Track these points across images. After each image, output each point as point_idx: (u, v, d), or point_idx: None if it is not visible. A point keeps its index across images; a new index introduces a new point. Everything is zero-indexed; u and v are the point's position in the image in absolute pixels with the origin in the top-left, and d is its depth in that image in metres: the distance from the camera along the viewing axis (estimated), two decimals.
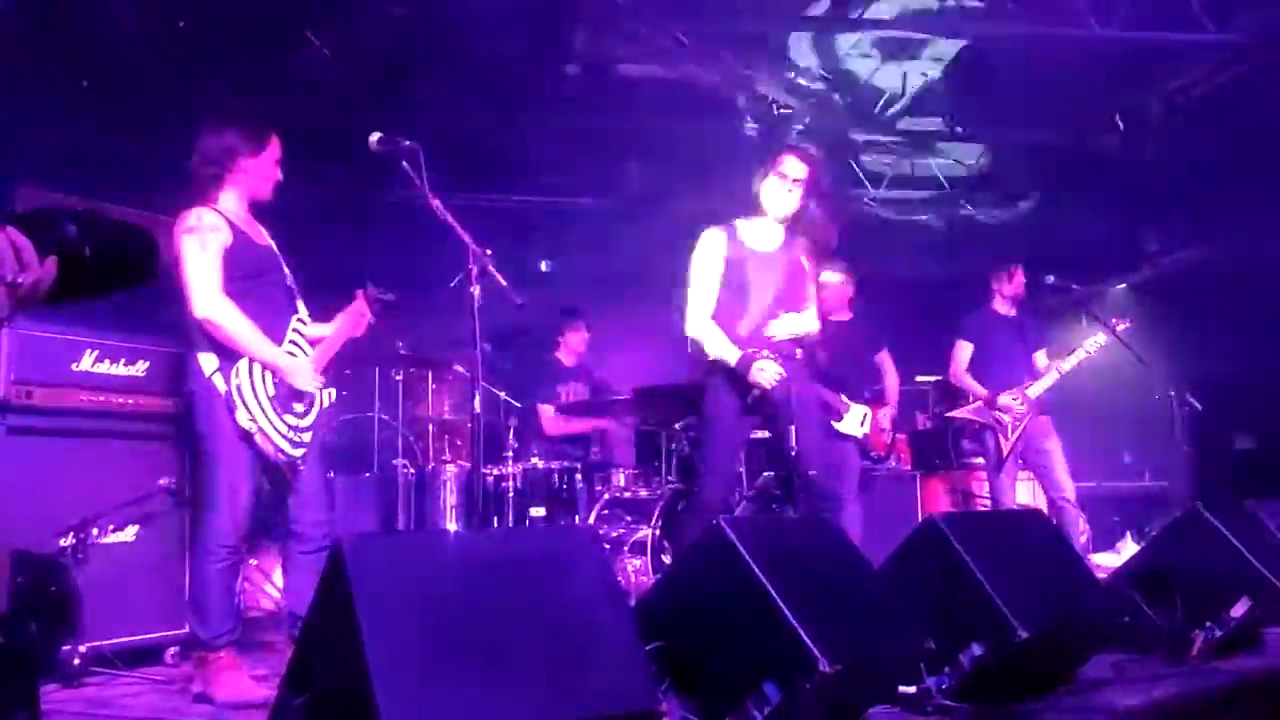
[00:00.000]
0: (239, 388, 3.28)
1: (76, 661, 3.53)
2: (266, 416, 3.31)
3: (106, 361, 3.86)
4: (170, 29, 5.74)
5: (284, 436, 3.36)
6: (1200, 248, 8.27)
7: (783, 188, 4.05)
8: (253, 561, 5.03)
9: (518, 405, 5.92)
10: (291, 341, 3.49)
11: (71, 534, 3.62)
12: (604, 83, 7.36)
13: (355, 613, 1.80)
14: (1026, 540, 3.16)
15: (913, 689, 2.76)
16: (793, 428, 3.62)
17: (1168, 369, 6.16)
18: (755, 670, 2.22)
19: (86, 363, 3.80)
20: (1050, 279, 6.18)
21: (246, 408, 3.27)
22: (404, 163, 3.26)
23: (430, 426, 5.89)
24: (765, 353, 3.92)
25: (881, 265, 9.71)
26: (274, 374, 3.36)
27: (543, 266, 9.34)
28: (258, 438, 3.30)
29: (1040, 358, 6.22)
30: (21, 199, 5.28)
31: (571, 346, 6.41)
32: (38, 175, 5.31)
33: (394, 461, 5.33)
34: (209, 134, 3.43)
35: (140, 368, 3.97)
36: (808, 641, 2.15)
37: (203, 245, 3.27)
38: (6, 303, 1.23)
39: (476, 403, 3.11)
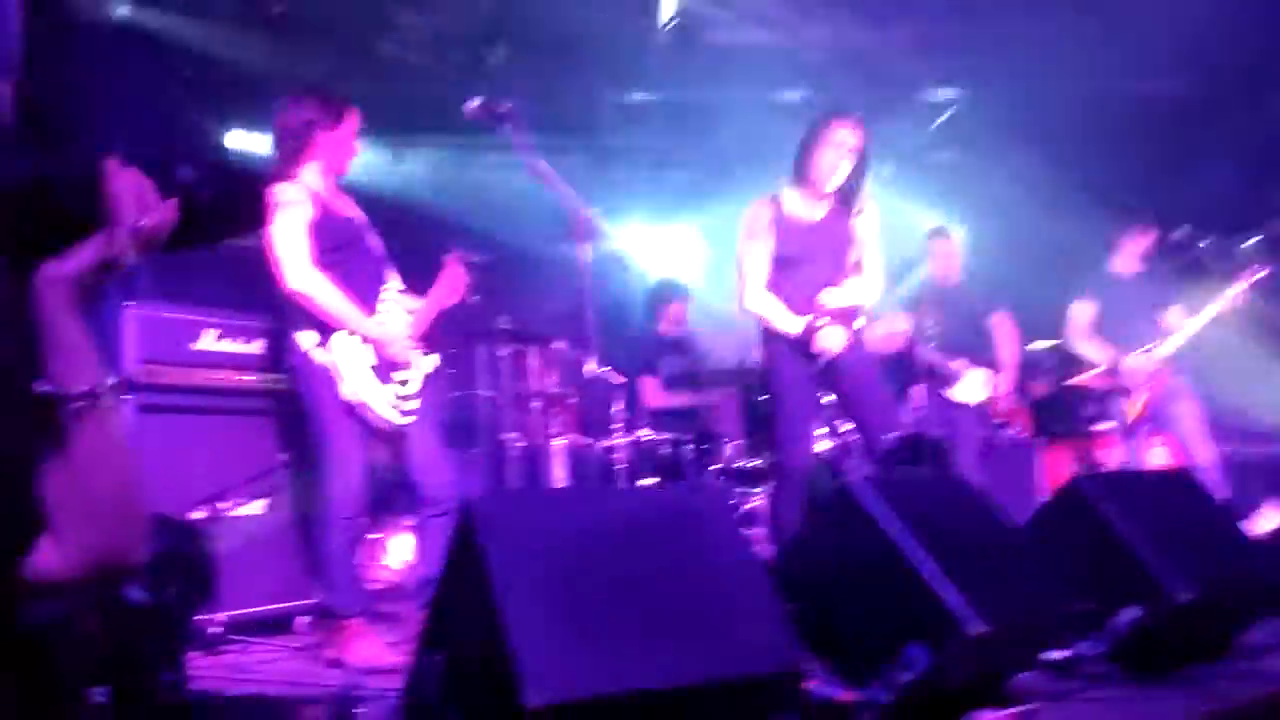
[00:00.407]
0: (338, 360, 3.29)
1: (217, 630, 3.62)
2: (368, 386, 3.32)
3: (226, 340, 3.92)
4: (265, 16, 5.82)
5: (390, 405, 3.36)
6: None
7: (836, 158, 3.90)
8: (373, 535, 5.11)
9: (619, 381, 5.88)
10: (385, 310, 3.49)
11: (203, 508, 3.70)
12: (694, 52, 7.21)
13: (489, 572, 1.76)
14: (1176, 500, 2.97)
15: (1059, 655, 2.63)
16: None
17: None
18: (898, 632, 2.11)
19: (207, 341, 3.86)
20: (1182, 233, 5.84)
21: (347, 379, 3.28)
22: (506, 124, 3.20)
23: (536, 401, 5.88)
24: (826, 319, 3.82)
25: (987, 224, 9.42)
26: (371, 343, 3.36)
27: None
28: (360, 409, 3.31)
29: (1172, 314, 5.89)
30: None
31: (674, 318, 6.31)
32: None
33: (502, 436, 5.32)
34: (288, 109, 3.44)
35: (257, 345, 4.02)
36: (955, 602, 2.04)
37: (289, 220, 3.25)
38: (130, 247, 1.20)
39: (593, 364, 3.06)
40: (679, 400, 6.05)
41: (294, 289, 3.26)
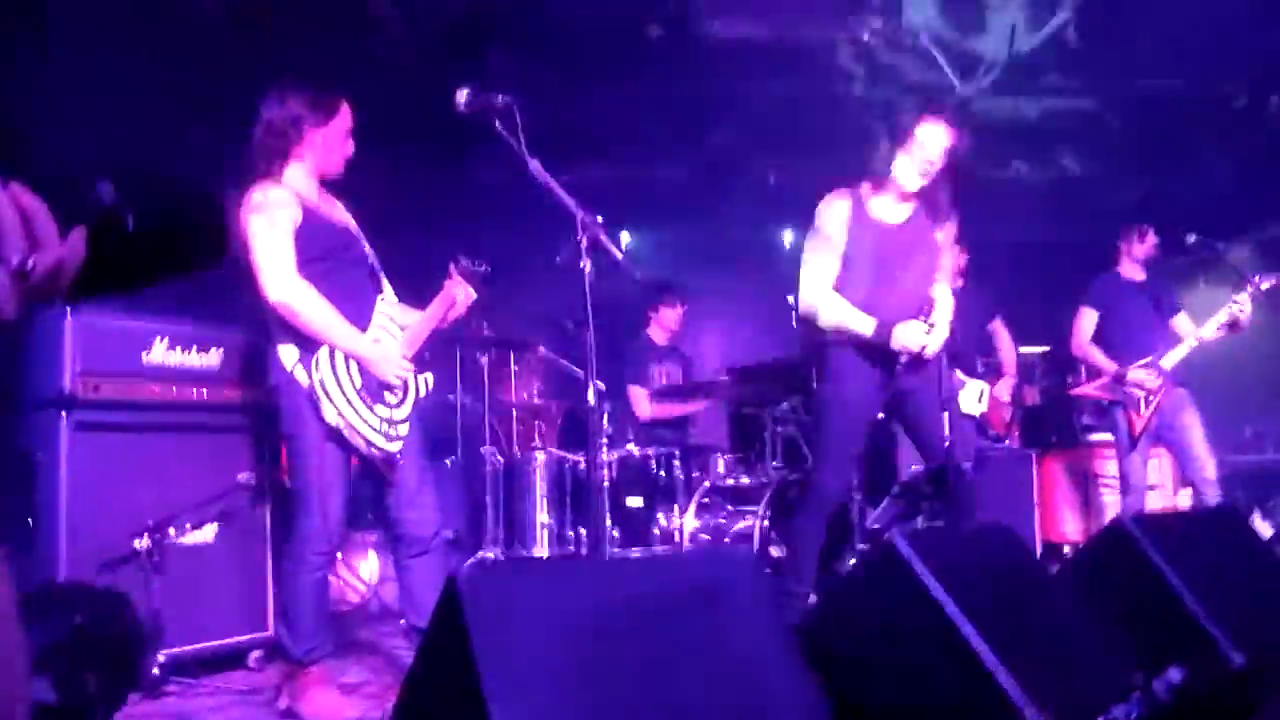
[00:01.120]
0: (322, 380, 2.95)
1: (156, 670, 3.31)
2: (355, 409, 2.99)
3: (179, 350, 3.59)
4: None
5: (376, 430, 3.03)
6: None
7: (923, 161, 3.56)
8: (338, 555, 4.80)
9: (604, 388, 5.57)
10: (379, 326, 3.15)
11: (147, 535, 3.38)
12: (686, 43, 6.90)
13: (474, 658, 1.46)
14: (1224, 545, 2.71)
15: None
16: (946, 414, 3.18)
17: None
18: (946, 717, 1.83)
19: (158, 352, 3.54)
20: (1192, 238, 5.60)
21: (332, 402, 2.95)
22: (497, 122, 2.87)
23: (515, 411, 5.57)
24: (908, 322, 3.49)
25: (981, 226, 9.19)
26: (358, 363, 3.03)
27: (624, 239, 8.94)
28: (346, 433, 2.98)
29: (1180, 322, 5.68)
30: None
31: (665, 324, 6.03)
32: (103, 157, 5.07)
33: (481, 449, 5.00)
34: (273, 103, 3.07)
35: (214, 356, 3.70)
36: (1019, 696, 1.76)
37: (271, 223, 2.92)
38: (10, 295, 0.87)
39: (591, 394, 2.76)
40: (671, 411, 5.77)
41: (276, 300, 2.92)
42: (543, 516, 4.89)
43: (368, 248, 3.27)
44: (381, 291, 3.24)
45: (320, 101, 3.10)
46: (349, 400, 2.98)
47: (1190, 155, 7.98)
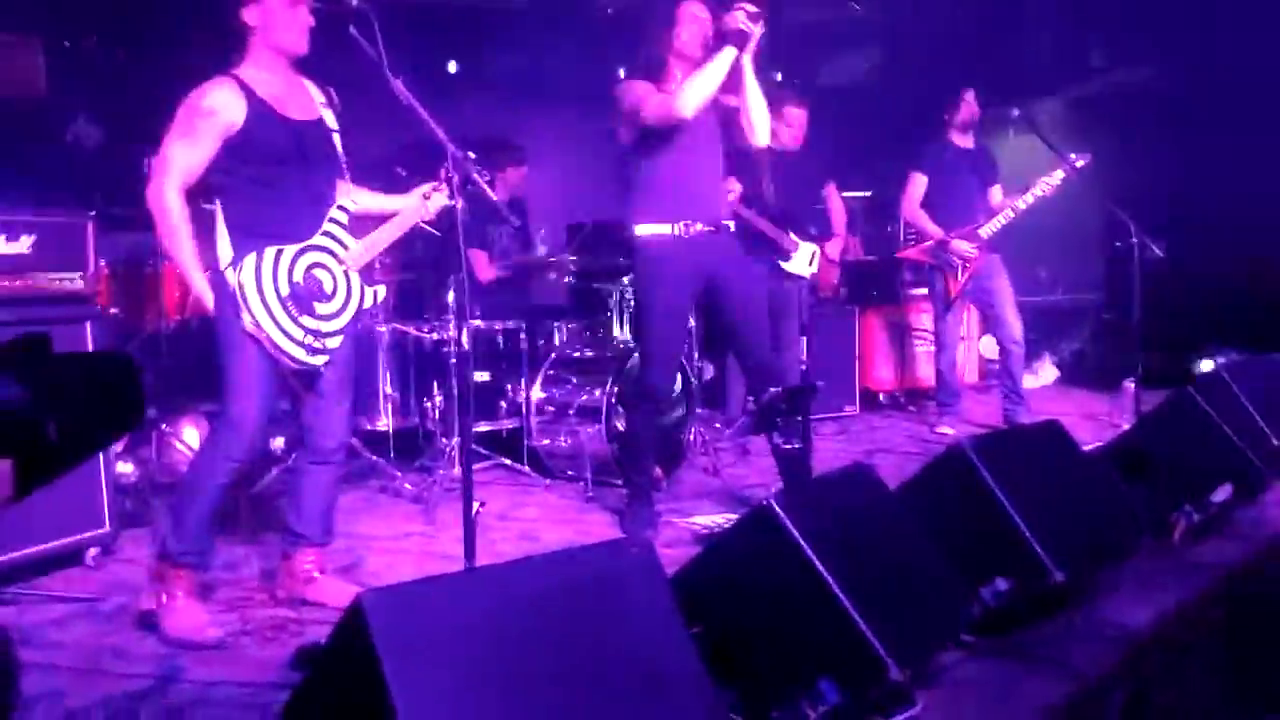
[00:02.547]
0: (241, 285, 2.85)
1: None
2: (273, 318, 2.88)
3: None
4: None
5: (296, 342, 2.92)
6: (1148, 65, 7.96)
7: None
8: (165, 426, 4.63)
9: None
10: (326, 233, 3.03)
11: None
12: None
13: (384, 679, 1.48)
14: (1050, 461, 2.97)
15: None
16: (805, 339, 3.30)
17: (1096, 185, 5.90)
18: (810, 665, 1.99)
19: None
20: (1015, 112, 5.84)
21: (249, 308, 2.85)
22: (351, 28, 2.65)
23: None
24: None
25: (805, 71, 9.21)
26: (295, 267, 2.94)
27: (450, 68, 8.47)
28: (266, 345, 2.88)
29: (995, 194, 5.99)
30: None
31: (510, 185, 5.84)
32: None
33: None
34: None
35: (25, 243, 3.39)
36: (875, 643, 1.92)
37: (186, 129, 2.86)
38: None
39: (464, 337, 2.69)
40: (509, 273, 5.68)
41: (149, 206, 2.89)
42: (386, 389, 4.83)
43: (337, 141, 3.12)
44: (335, 198, 3.09)
45: None
46: (268, 307, 2.88)
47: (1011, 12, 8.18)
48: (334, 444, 3.20)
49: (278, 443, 4.59)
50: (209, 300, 2.94)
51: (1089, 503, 2.96)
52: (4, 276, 3.34)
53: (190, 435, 4.93)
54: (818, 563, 1.98)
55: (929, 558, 2.42)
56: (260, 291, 2.87)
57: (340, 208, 3.09)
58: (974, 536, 2.65)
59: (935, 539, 2.54)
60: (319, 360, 2.99)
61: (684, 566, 2.24)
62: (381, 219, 3.23)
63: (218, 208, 2.97)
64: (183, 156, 2.87)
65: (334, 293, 3.03)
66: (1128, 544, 2.99)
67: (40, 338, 0.88)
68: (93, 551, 3.64)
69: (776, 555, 2.02)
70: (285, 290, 2.91)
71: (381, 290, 3.21)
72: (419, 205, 3.19)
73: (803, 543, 1.99)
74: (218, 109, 2.87)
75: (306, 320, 2.95)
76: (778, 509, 2.03)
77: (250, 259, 2.88)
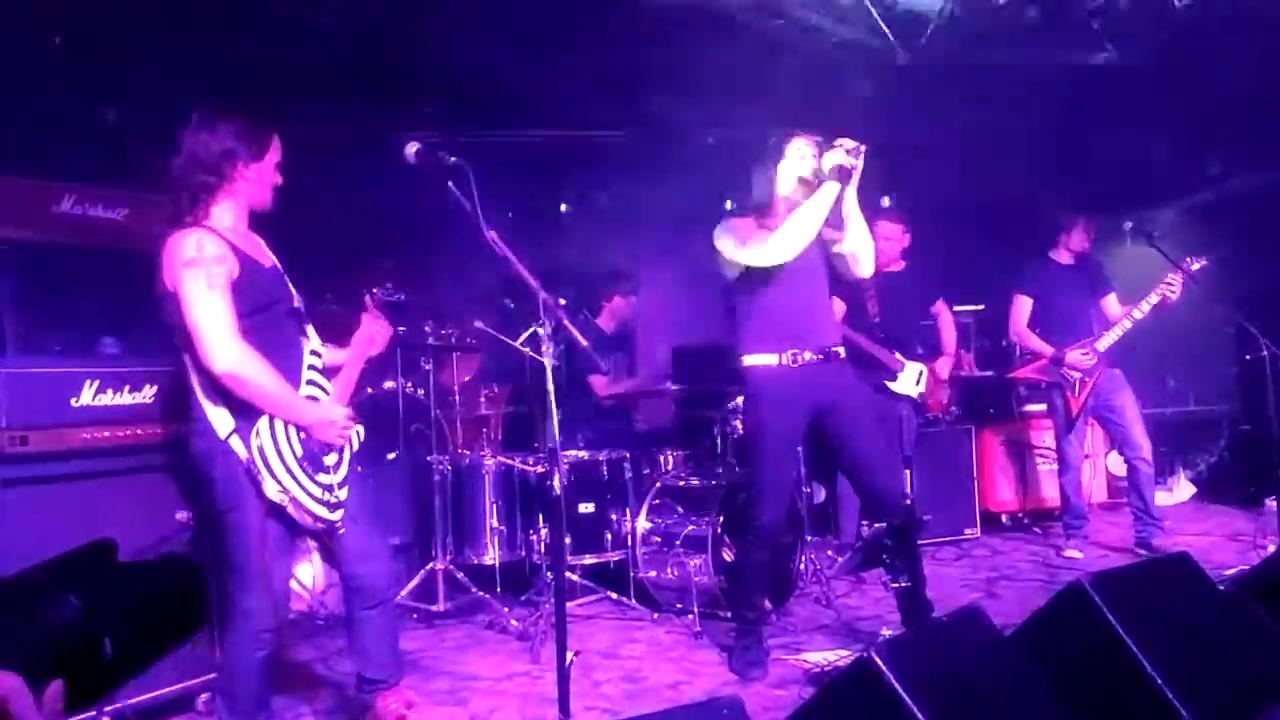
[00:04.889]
0: (261, 450, 2.75)
1: None
2: (298, 482, 2.81)
3: (110, 392, 3.42)
4: None
5: (319, 501, 2.87)
6: (1264, 172, 7.68)
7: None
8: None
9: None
10: (310, 382, 2.98)
11: None
12: (623, 10, 6.69)
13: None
14: (1181, 596, 2.77)
15: None
16: (908, 471, 3.20)
17: (1220, 292, 5.62)
18: None
19: (87, 396, 3.36)
20: (1129, 225, 5.68)
21: (275, 477, 2.76)
22: (450, 184, 2.72)
23: (458, 416, 5.45)
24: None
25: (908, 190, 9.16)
26: (300, 429, 2.86)
27: (562, 208, 8.73)
28: (290, 509, 2.80)
29: (1111, 304, 5.78)
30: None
31: (618, 314, 5.90)
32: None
33: (428, 458, 4.91)
34: (200, 132, 2.81)
35: (148, 393, 3.54)
36: None
37: (210, 282, 2.69)
38: None
39: (556, 483, 2.68)
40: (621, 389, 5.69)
41: (224, 371, 2.69)
42: (493, 522, 4.84)
43: (292, 289, 3.06)
44: (308, 338, 3.04)
45: (253, 134, 2.88)
46: (291, 472, 2.80)
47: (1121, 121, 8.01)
48: (384, 582, 3.15)
49: None
50: (326, 423, 2.88)
51: (1231, 646, 2.72)
52: (128, 426, 3.48)
53: (304, 574, 5.02)
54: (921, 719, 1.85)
55: (1047, 710, 2.25)
56: (280, 456, 2.78)
57: (314, 352, 3.03)
58: (1099, 681, 2.46)
59: (1054, 685, 2.37)
60: (337, 515, 2.94)
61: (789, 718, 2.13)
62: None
63: (188, 365, 2.80)
64: (223, 307, 2.70)
65: (331, 445, 2.97)
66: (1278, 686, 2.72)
67: (105, 545, 0.89)
68: (204, 697, 3.67)
69: (881, 710, 1.90)
70: (300, 450, 2.84)
71: (361, 431, 3.05)
72: (364, 336, 3.18)
73: (906, 698, 1.88)
74: (224, 257, 2.74)
75: (321, 478, 2.89)
76: (879, 661, 1.92)
77: (264, 423, 2.76)
